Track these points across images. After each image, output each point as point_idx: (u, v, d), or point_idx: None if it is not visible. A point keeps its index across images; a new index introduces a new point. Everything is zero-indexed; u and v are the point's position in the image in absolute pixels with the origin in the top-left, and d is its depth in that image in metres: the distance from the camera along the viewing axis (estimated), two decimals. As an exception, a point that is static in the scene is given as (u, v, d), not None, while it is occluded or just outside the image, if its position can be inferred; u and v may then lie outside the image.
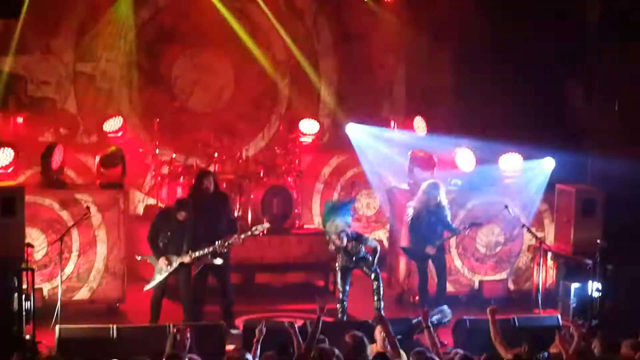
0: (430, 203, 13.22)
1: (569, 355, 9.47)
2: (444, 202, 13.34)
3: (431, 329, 10.18)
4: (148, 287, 12.63)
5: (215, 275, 12.84)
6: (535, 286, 14.04)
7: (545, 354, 9.40)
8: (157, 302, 12.52)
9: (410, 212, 13.38)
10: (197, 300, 12.67)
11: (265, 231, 13.23)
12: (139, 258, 13.28)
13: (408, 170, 14.65)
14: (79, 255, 13.30)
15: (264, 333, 9.67)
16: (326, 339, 9.84)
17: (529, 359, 9.41)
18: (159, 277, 12.44)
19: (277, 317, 12.98)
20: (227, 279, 12.94)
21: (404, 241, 13.79)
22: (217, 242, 12.39)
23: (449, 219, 13.37)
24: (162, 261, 12.38)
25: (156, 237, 12.49)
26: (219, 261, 12.53)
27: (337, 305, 12.77)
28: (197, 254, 12.39)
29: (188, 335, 10.01)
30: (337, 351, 9.04)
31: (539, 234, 14.40)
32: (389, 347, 9.93)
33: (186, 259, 12.39)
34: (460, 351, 9.90)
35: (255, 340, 9.65)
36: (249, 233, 12.66)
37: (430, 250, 13.21)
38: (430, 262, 13.43)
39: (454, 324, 12.17)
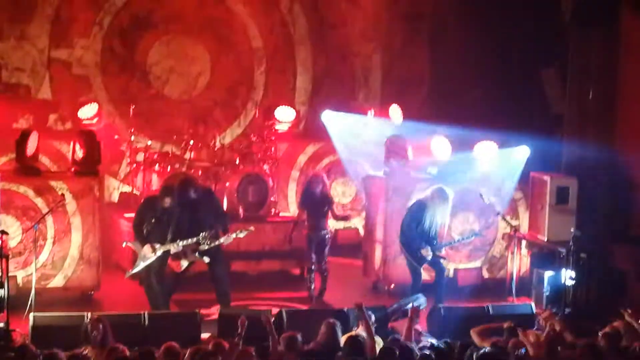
0: (435, 210, 12.88)
1: (539, 344, 9.55)
2: (446, 215, 13.04)
3: (414, 319, 10.25)
4: (130, 273, 12.58)
5: (210, 265, 12.55)
6: (509, 274, 14.08)
7: (523, 350, 9.42)
8: (152, 288, 12.33)
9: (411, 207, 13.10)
10: (168, 289, 12.56)
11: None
12: (124, 245, 13.21)
13: (384, 158, 14.65)
14: (53, 243, 13.20)
15: (246, 326, 9.58)
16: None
17: (505, 346, 9.44)
18: (142, 264, 12.31)
19: (252, 306, 12.99)
20: (222, 267, 12.68)
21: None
22: (202, 233, 12.21)
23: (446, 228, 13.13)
24: (147, 248, 12.25)
25: (141, 224, 12.36)
26: (206, 259, 12.40)
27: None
28: (182, 243, 12.27)
29: (100, 326, 9.86)
30: None
31: (514, 222, 14.46)
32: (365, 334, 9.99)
33: (171, 247, 12.29)
34: (432, 341, 9.98)
35: (238, 333, 9.56)
36: (234, 235, 12.49)
37: (426, 253, 12.87)
38: (428, 265, 13.10)
39: (428, 312, 12.21)
